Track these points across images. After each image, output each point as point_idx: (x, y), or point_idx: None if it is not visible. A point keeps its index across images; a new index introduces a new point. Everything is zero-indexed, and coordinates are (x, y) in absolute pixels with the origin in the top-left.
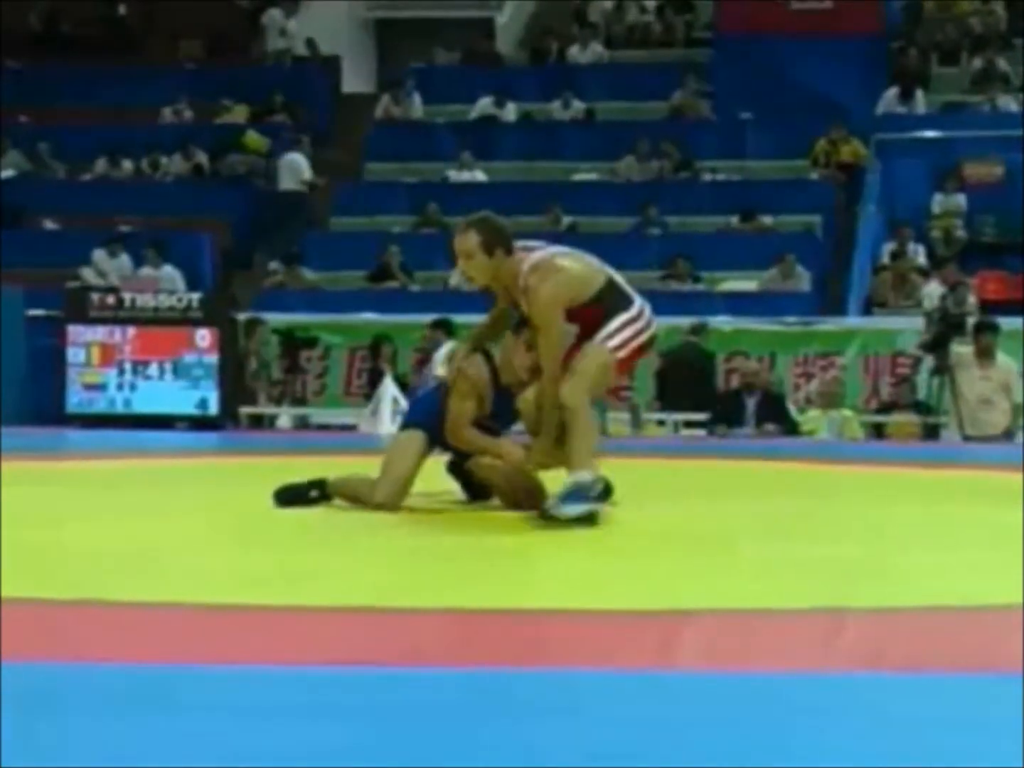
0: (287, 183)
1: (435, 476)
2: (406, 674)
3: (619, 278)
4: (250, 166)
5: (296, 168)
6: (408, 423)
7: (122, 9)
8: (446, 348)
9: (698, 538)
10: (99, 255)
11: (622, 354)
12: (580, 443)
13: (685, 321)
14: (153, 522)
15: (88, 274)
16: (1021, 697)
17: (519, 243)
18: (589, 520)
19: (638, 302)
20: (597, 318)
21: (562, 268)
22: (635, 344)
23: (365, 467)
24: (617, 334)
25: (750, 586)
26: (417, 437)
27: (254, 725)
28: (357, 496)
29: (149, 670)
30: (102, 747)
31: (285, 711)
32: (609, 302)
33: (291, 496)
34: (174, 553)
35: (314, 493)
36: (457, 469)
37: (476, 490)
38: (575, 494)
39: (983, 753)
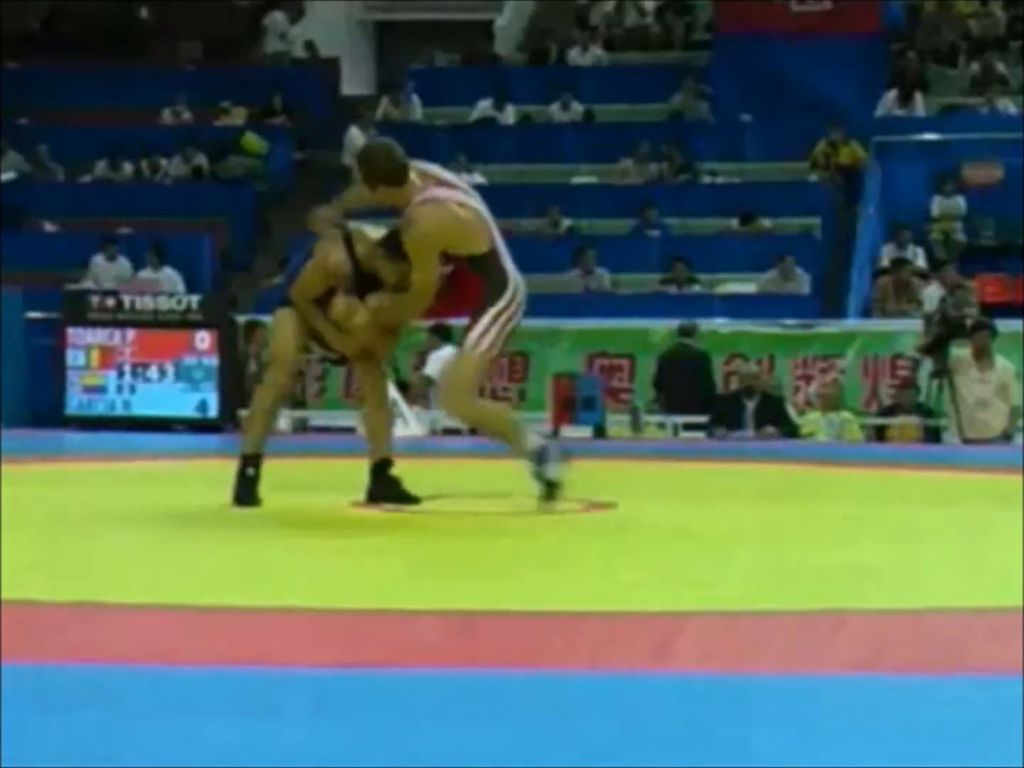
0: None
1: (431, 478)
2: (405, 674)
3: (501, 245)
4: (249, 168)
5: (352, 141)
6: (283, 300)
7: (122, 10)
8: (444, 351)
9: (697, 540)
10: (97, 260)
11: (494, 351)
12: (504, 431)
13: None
14: (152, 523)
15: (88, 283)
16: (1021, 697)
17: (432, 169)
18: (567, 460)
19: (511, 282)
20: (474, 293)
21: (447, 208)
22: (505, 334)
23: (364, 469)
24: (488, 331)
25: (749, 587)
26: (287, 313)
27: (253, 725)
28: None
29: (149, 670)
30: (102, 747)
31: (284, 711)
32: (488, 280)
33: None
34: (173, 554)
35: (250, 471)
36: (378, 491)
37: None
38: (538, 459)
39: (983, 753)
